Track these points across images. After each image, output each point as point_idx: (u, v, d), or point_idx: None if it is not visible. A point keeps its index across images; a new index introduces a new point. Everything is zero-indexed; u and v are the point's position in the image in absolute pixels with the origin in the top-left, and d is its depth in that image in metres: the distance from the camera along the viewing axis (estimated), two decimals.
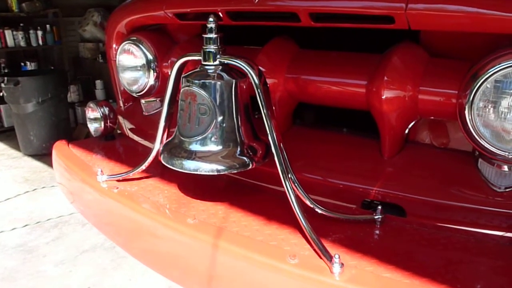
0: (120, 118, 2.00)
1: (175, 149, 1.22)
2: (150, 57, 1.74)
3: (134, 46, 1.74)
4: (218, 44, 1.15)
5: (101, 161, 1.67)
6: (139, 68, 1.78)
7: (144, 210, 1.29)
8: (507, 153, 1.04)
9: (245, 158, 1.18)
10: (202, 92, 1.13)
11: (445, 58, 1.19)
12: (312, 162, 1.36)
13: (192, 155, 1.17)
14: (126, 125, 2.01)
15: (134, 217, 1.31)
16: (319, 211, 1.17)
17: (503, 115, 1.01)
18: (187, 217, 1.22)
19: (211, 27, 1.15)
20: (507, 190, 1.10)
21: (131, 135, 1.95)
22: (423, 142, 1.31)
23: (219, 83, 1.14)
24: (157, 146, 1.38)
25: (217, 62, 1.16)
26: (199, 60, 1.20)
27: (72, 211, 3.13)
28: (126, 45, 1.75)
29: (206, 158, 1.16)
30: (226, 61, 1.16)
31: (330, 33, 1.44)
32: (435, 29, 1.13)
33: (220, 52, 1.16)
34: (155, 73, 1.75)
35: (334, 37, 1.46)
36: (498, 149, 1.04)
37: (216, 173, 1.16)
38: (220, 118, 1.15)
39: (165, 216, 1.24)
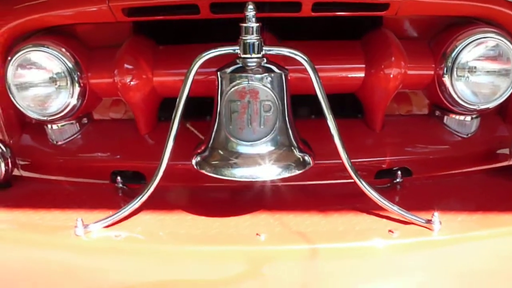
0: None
1: (230, 158, 1.03)
2: (70, 65, 1.34)
3: (45, 53, 1.30)
4: (260, 34, 1.04)
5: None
6: (49, 83, 1.34)
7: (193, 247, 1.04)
8: (476, 106, 1.36)
9: (303, 154, 1.12)
10: (266, 87, 1.00)
11: (405, 40, 1.43)
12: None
13: (263, 160, 1.03)
14: (20, 163, 1.47)
15: (176, 260, 1.03)
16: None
17: (474, 79, 1.33)
18: (249, 236, 1.06)
19: (250, 15, 1.02)
20: (469, 135, 1.44)
21: (39, 175, 1.45)
22: (390, 114, 1.52)
23: (277, 75, 1.04)
24: (162, 169, 1.12)
25: (261, 54, 1.05)
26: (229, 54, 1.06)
27: None
28: (31, 54, 1.30)
29: (277, 160, 1.04)
30: (273, 52, 1.06)
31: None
32: (411, 14, 1.36)
33: (263, 43, 1.05)
34: (79, 88, 1.36)
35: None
36: (470, 104, 1.35)
37: (288, 175, 1.06)
38: (281, 114, 1.05)
39: (229, 242, 1.04)
